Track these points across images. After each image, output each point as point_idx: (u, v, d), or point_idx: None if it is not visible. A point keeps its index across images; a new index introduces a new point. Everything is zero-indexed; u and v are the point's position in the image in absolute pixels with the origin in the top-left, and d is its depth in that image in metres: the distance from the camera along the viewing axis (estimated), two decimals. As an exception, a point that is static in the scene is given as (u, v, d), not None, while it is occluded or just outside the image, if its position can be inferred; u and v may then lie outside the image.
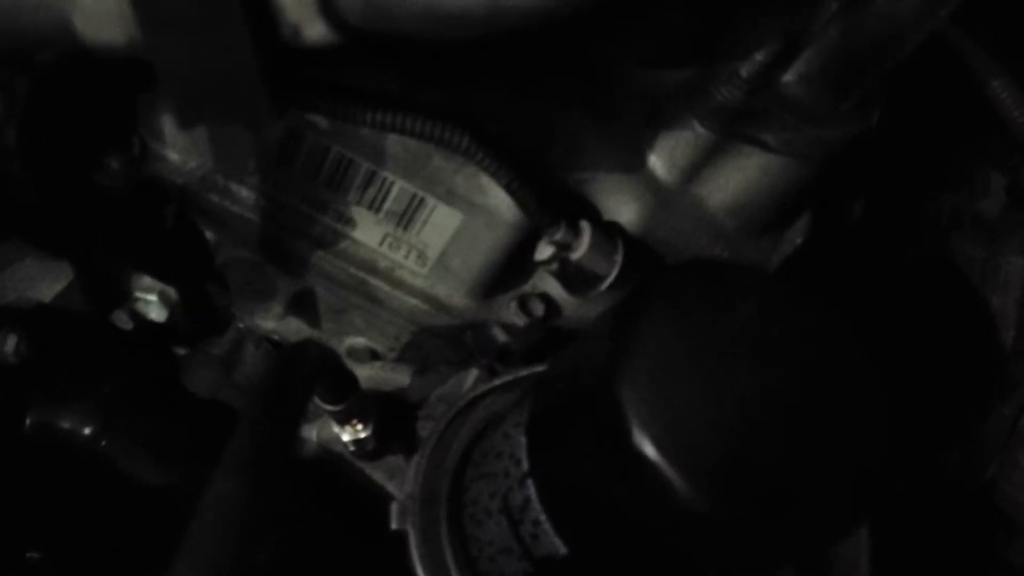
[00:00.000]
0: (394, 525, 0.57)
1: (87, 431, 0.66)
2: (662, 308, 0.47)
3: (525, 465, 0.50)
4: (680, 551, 0.45)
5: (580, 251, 0.57)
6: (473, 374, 0.68)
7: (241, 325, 0.73)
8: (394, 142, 0.55)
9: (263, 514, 0.39)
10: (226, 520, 0.38)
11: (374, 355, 0.69)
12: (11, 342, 0.61)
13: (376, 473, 0.71)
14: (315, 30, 0.34)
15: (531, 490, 0.49)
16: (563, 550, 0.48)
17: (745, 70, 0.55)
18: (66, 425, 0.66)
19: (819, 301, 0.49)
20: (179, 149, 0.58)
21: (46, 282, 0.66)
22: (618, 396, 0.43)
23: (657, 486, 0.42)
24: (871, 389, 0.47)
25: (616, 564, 0.47)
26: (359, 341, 0.68)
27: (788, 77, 0.56)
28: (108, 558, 0.67)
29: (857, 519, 0.45)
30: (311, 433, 0.74)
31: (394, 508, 0.58)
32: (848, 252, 0.78)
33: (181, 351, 0.75)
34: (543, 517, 0.49)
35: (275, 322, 0.69)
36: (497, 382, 0.62)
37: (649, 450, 0.42)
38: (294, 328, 0.70)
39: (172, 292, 0.62)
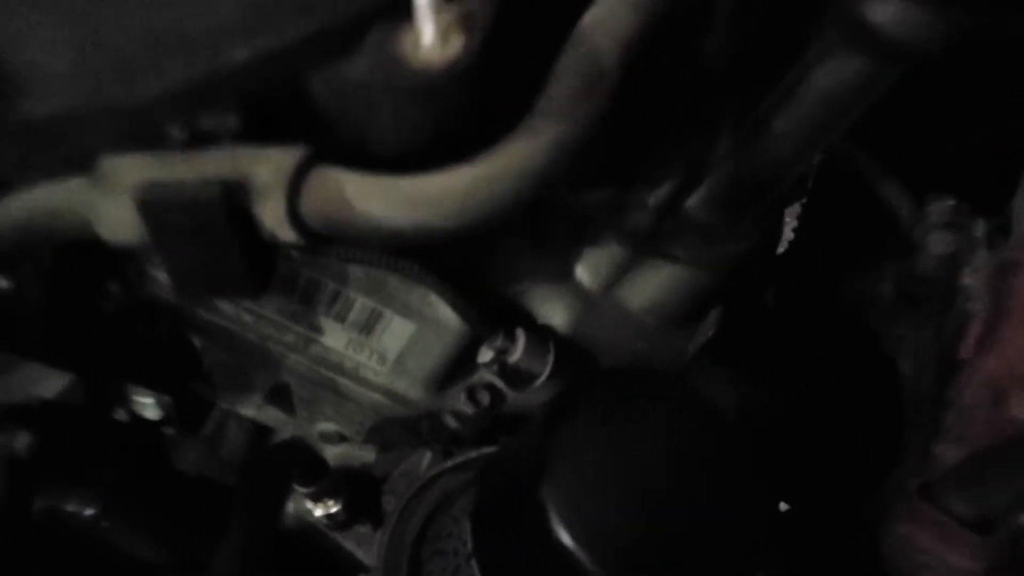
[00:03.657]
0: (362, 596, 0.67)
1: (89, 513, 0.74)
2: (582, 417, 0.56)
3: (470, 546, 0.59)
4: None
5: (516, 355, 0.66)
6: (429, 455, 0.77)
7: (224, 406, 0.82)
8: (356, 267, 0.65)
9: None
10: None
11: (342, 438, 0.78)
12: (22, 439, 0.69)
13: (347, 542, 0.80)
14: (287, 235, 0.43)
15: (475, 568, 0.59)
16: (502, 618, 0.58)
17: (653, 199, 0.64)
18: (70, 508, 0.74)
19: (714, 408, 0.59)
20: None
21: (49, 381, 0.74)
22: (543, 494, 0.53)
23: (574, 569, 0.51)
24: (755, 484, 0.57)
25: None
26: (329, 426, 0.77)
27: (691, 202, 0.65)
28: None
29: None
30: (289, 507, 0.82)
31: (361, 585, 0.68)
32: (764, 334, 0.87)
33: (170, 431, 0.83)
34: (486, 591, 0.58)
35: (255, 410, 0.78)
36: (449, 464, 0.72)
37: (567, 539, 0.51)
38: (272, 415, 0.78)
39: (166, 398, 0.71)
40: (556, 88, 0.43)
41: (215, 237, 0.42)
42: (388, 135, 0.46)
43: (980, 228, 0.79)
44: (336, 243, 0.44)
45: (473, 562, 0.59)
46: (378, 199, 0.42)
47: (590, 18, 0.44)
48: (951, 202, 0.75)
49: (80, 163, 0.46)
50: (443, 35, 0.41)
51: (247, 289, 0.45)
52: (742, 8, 0.53)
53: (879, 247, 0.86)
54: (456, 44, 0.42)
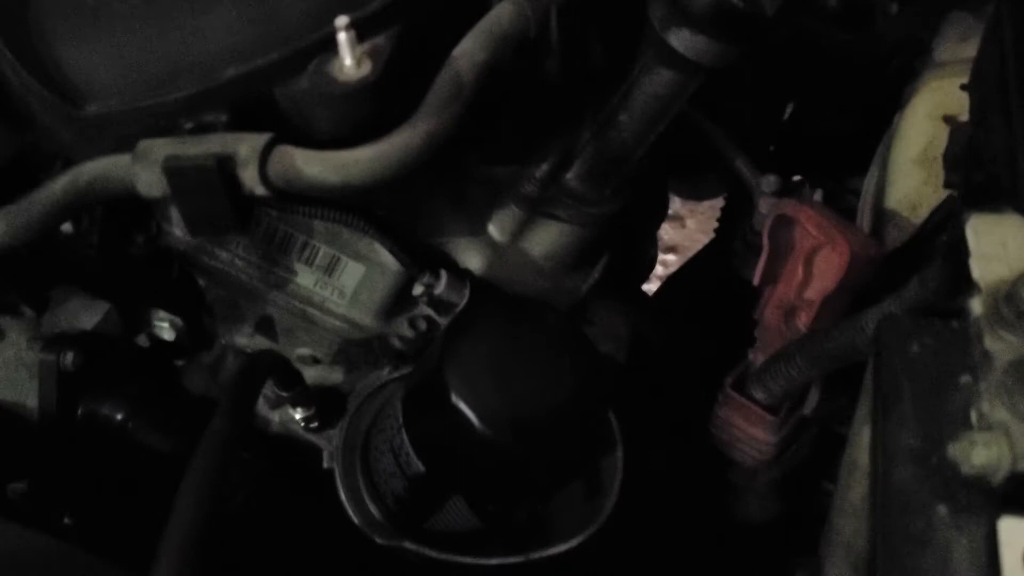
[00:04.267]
0: (326, 465, 0.90)
1: (119, 417, 0.90)
2: (472, 325, 0.79)
3: (401, 421, 0.82)
4: (484, 467, 0.77)
5: (440, 289, 0.89)
6: (384, 371, 0.99)
7: (223, 342, 1.04)
8: (319, 223, 0.87)
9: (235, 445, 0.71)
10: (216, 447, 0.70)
11: (315, 360, 1.00)
12: (69, 356, 0.87)
13: (320, 440, 1.02)
14: (260, 190, 0.66)
15: (404, 436, 0.81)
16: (423, 469, 0.80)
17: (538, 173, 0.87)
18: (104, 412, 0.93)
19: (573, 325, 0.82)
20: (181, 228, 0.89)
21: (87, 315, 0.92)
22: (445, 378, 0.75)
23: (468, 430, 0.74)
24: (597, 382, 0.80)
25: (452, 476, 0.80)
26: (305, 350, 0.97)
27: (568, 176, 0.88)
28: (126, 512, 0.95)
29: (585, 453, 0.79)
30: (274, 416, 1.04)
31: (326, 454, 0.91)
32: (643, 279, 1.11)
33: (181, 362, 1.05)
34: (411, 450, 0.80)
35: (247, 339, 0.99)
36: (395, 375, 0.94)
37: (463, 408, 0.73)
38: (260, 342, 1.00)
39: (179, 321, 0.94)
40: (431, 97, 0.66)
41: (213, 192, 0.66)
42: (324, 126, 0.69)
43: (819, 194, 1.02)
44: (294, 196, 0.67)
45: (403, 432, 0.81)
46: (318, 165, 0.66)
47: (456, 51, 0.68)
48: (778, 176, 0.97)
49: (124, 145, 0.69)
50: (358, 62, 0.65)
51: (233, 228, 0.68)
52: (568, 41, 0.76)
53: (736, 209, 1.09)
54: (366, 67, 0.65)
